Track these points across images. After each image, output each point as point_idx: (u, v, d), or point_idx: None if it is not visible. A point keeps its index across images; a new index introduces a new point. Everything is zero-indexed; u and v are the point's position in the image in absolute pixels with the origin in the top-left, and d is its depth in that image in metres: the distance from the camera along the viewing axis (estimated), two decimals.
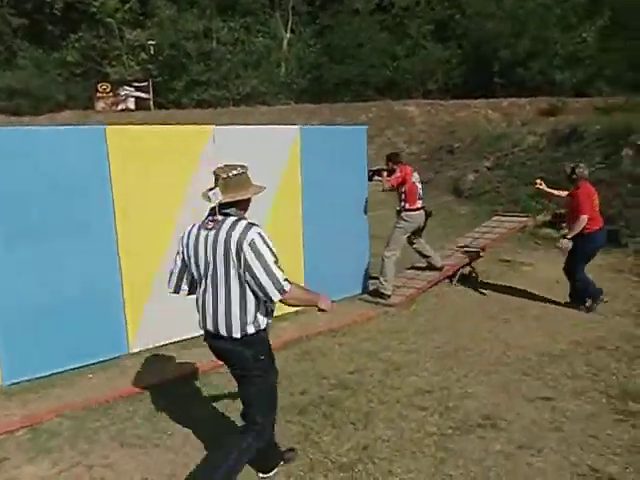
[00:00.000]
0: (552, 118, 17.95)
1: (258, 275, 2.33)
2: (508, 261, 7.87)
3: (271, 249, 2.39)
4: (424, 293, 6.35)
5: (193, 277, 2.59)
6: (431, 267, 6.73)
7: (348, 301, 6.16)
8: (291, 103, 25.59)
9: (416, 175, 6.39)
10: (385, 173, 6.33)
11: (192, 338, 4.95)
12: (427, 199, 13.82)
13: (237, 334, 2.44)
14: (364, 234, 6.53)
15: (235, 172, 2.45)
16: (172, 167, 4.91)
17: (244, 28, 28.13)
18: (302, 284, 5.68)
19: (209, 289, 2.49)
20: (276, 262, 2.38)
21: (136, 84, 25.10)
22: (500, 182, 12.70)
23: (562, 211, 9.41)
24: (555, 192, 6.52)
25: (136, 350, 4.87)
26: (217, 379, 4.19)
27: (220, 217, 2.42)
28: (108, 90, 24.88)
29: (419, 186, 6.36)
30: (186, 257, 2.55)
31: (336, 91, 26.51)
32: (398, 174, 6.19)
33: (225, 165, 2.51)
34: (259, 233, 2.37)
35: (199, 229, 2.49)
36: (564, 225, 8.42)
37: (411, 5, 27.42)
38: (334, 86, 26.72)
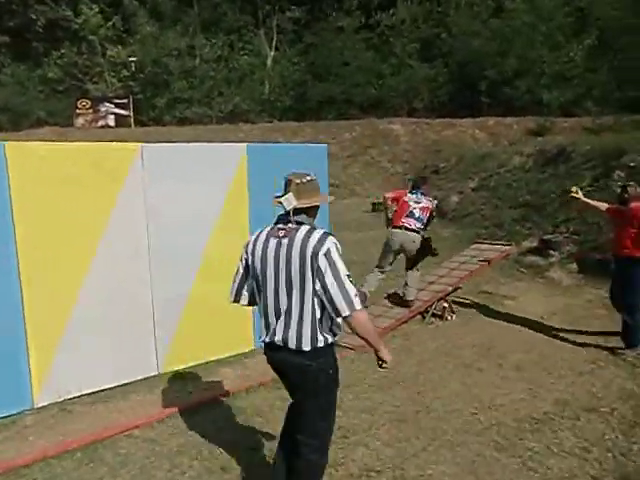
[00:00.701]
0: (540, 138, 17.48)
1: (329, 286, 2.23)
2: (489, 293, 7.13)
3: (342, 260, 2.29)
4: (392, 331, 5.61)
5: (256, 287, 2.47)
6: (402, 301, 6.05)
7: None
8: (274, 121, 25.05)
9: (414, 196, 6.08)
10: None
11: (111, 388, 4.36)
12: None
13: (307, 347, 2.33)
14: None
15: (309, 178, 2.41)
16: (89, 190, 4.20)
17: (228, 46, 27.69)
18: (249, 318, 5.06)
19: (278, 299, 2.36)
20: (349, 276, 2.27)
21: (116, 101, 24.46)
22: (484, 204, 12.07)
23: (550, 237, 8.77)
24: (593, 203, 5.41)
25: (43, 404, 4.12)
26: (129, 446, 3.43)
27: (293, 225, 2.34)
28: (88, 106, 24.21)
29: (412, 205, 5.98)
30: (251, 265, 2.45)
31: (320, 109, 26.02)
32: (395, 192, 6.34)
33: (293, 172, 2.44)
34: (335, 243, 2.29)
35: (268, 236, 2.40)
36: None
37: (396, 24, 27.12)
38: (318, 104, 26.23)
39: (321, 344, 2.34)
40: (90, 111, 24.17)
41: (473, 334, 5.58)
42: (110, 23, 27.34)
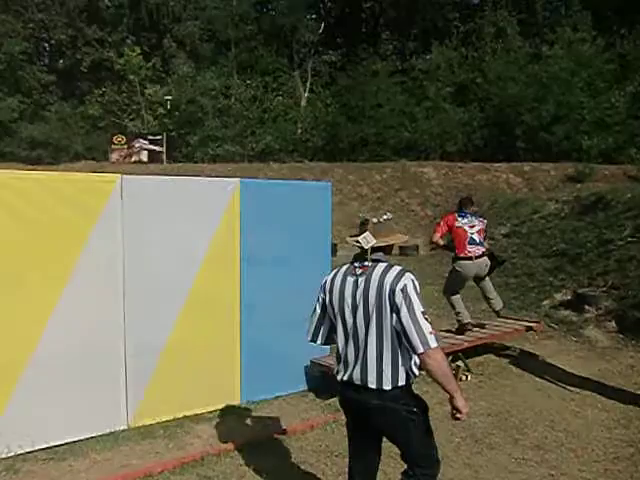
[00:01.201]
0: (578, 185, 16.68)
1: (404, 322, 2.22)
2: (512, 350, 6.38)
3: (420, 297, 2.29)
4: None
5: (332, 326, 2.51)
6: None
7: (295, 399, 4.83)
8: (305, 161, 24.96)
9: (465, 219, 5.75)
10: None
11: (72, 443, 3.90)
12: (431, 265, 12.62)
13: (387, 385, 2.31)
14: None
15: (386, 217, 2.48)
16: (55, 226, 3.83)
17: (262, 87, 28.07)
18: (235, 368, 4.44)
19: (356, 337, 2.36)
20: (424, 313, 2.26)
21: (150, 137, 24.91)
22: (515, 251, 11.32)
23: (585, 290, 7.96)
24: None
25: None
26: None
27: (370, 263, 2.37)
28: (123, 142, 24.73)
29: (469, 230, 5.66)
30: (328, 304, 2.47)
31: (352, 150, 25.83)
32: (441, 227, 5.91)
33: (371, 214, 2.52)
34: (412, 280, 2.30)
35: (345, 275, 2.43)
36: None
37: (431, 68, 26.98)
38: (350, 145, 26.07)
39: (402, 382, 2.33)
40: (125, 147, 24.66)
41: (489, 399, 4.86)
42: (150, 64, 28.20)
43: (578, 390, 5.10)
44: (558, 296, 8.36)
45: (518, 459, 3.75)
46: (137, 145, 24.73)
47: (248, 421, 4.41)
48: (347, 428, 2.60)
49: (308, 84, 30.09)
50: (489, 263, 5.79)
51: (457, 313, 5.86)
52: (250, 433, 4.19)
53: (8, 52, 27.36)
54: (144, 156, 24.65)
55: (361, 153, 25.79)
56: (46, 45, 32.32)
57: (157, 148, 24.65)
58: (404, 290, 2.25)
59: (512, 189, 19.48)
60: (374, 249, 2.38)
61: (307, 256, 4.84)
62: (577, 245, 9.63)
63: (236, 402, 4.64)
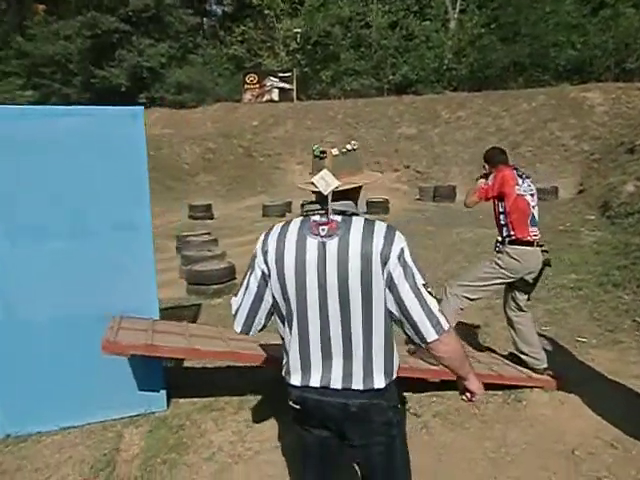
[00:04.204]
0: None
1: (407, 303, 1.59)
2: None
3: (418, 266, 1.63)
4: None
5: (271, 309, 1.73)
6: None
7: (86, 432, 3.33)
8: (446, 92, 22.06)
9: (525, 184, 3.52)
10: (481, 181, 3.69)
11: None
12: (567, 214, 9.84)
13: (381, 383, 1.65)
14: (145, 286, 3.35)
15: (349, 147, 1.67)
16: None
17: (403, 10, 25.17)
18: None
19: (327, 325, 1.62)
20: (426, 285, 1.62)
21: (281, 75, 24.10)
22: None
23: None
24: None
25: None
26: None
27: (337, 217, 1.61)
28: (255, 81, 24.34)
29: (531, 204, 3.50)
30: (274, 280, 1.65)
31: (503, 77, 22.12)
32: (490, 181, 3.59)
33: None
34: (405, 241, 1.63)
35: (301, 235, 1.61)
36: None
37: None
38: (502, 71, 22.34)
39: (394, 376, 1.71)
40: (257, 86, 24.26)
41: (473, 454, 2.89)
42: None
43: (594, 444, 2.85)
44: None
45: None
46: (268, 84, 24.15)
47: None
48: (304, 456, 1.82)
49: (458, 3, 26.28)
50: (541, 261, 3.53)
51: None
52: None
53: None
54: (275, 95, 24.04)
55: (514, 79, 21.99)
56: None
57: (287, 85, 23.82)
58: (401, 257, 1.60)
59: None
60: (337, 195, 1.61)
61: (103, 222, 3.19)
62: None
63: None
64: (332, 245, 1.60)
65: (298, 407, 1.73)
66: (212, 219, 13.82)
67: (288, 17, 26.98)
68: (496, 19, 23.46)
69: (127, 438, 3.17)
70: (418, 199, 15.30)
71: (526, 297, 3.63)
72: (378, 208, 12.72)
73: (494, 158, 3.63)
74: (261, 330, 1.82)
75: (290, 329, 1.71)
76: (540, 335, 4.41)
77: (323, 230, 1.62)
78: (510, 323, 3.72)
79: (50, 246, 3.07)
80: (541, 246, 3.51)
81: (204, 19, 31.70)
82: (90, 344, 2.92)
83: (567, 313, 5.07)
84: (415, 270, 1.62)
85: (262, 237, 1.72)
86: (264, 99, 24.13)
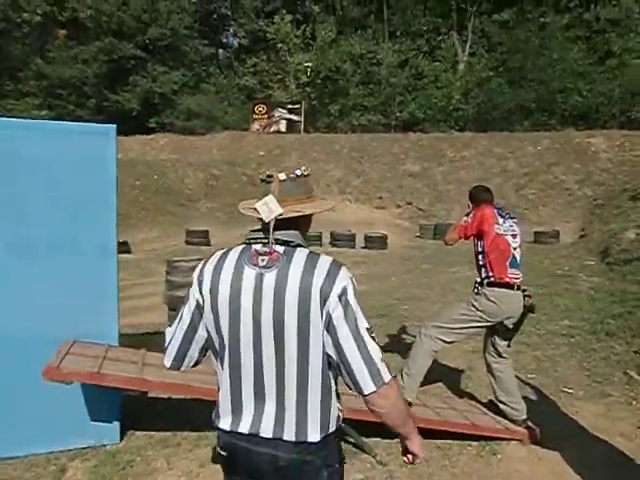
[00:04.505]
0: None
1: (345, 348, 1.40)
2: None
3: (362, 308, 1.44)
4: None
5: (205, 344, 1.55)
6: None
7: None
8: (453, 131, 22.22)
9: (507, 223, 3.34)
10: (464, 219, 3.48)
11: None
12: (567, 258, 9.64)
13: (315, 436, 1.44)
14: (106, 311, 3.19)
15: (299, 172, 1.50)
16: None
17: (412, 49, 25.64)
18: None
19: (260, 368, 1.45)
20: (370, 329, 1.44)
21: (289, 106, 24.46)
22: None
23: None
24: None
25: None
26: None
27: (279, 247, 1.45)
28: (264, 112, 24.68)
29: (512, 245, 3.31)
30: (207, 312, 1.48)
31: (510, 119, 22.28)
32: (469, 218, 3.41)
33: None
34: (351, 278, 1.45)
35: (239, 265, 1.46)
36: None
37: (622, 17, 21.83)
38: (508, 113, 22.52)
39: (332, 429, 1.49)
40: (265, 116, 24.57)
41: None
42: (299, 31, 27.62)
43: None
44: None
45: None
46: (277, 115, 24.49)
47: None
48: None
49: (467, 46, 26.74)
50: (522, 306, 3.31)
51: (410, 373, 3.38)
52: None
53: (174, 28, 29.02)
54: (282, 126, 24.33)
55: (520, 122, 22.15)
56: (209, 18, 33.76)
57: (295, 117, 24.11)
58: (343, 297, 1.40)
59: None
60: (281, 224, 1.45)
61: (65, 241, 3.04)
62: None
63: None
64: (270, 278, 1.44)
65: (225, 454, 1.55)
66: (209, 245, 13.73)
67: (300, 51, 27.54)
68: (504, 63, 23.82)
69: (70, 473, 2.96)
70: (418, 236, 15.19)
71: (506, 343, 3.43)
72: (376, 243, 12.59)
73: (477, 196, 3.50)
74: (194, 366, 1.65)
75: (222, 366, 1.54)
76: (525, 383, 4.21)
77: (263, 260, 1.46)
78: (489, 369, 3.52)
79: (4, 262, 2.94)
80: (523, 290, 3.34)
81: (219, 50, 32.27)
82: (39, 368, 2.75)
83: (556, 361, 4.85)
84: (358, 312, 1.45)
85: (200, 265, 1.57)
86: (271, 130, 24.41)
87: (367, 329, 1.44)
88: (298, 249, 1.48)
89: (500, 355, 3.45)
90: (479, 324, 3.30)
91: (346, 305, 1.42)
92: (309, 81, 26.50)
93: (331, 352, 1.44)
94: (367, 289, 8.58)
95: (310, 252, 1.48)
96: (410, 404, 3.23)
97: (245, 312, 1.45)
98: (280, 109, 24.46)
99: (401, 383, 3.28)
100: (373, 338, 1.45)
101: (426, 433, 3.19)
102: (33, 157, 2.94)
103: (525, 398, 3.94)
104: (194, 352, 1.59)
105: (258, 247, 1.47)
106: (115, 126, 3.16)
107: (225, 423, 1.53)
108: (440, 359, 4.89)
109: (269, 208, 1.46)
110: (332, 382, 1.50)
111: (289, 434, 1.47)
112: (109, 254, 3.17)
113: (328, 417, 1.50)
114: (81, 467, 3.01)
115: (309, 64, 25.49)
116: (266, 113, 24.60)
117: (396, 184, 18.48)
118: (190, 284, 1.57)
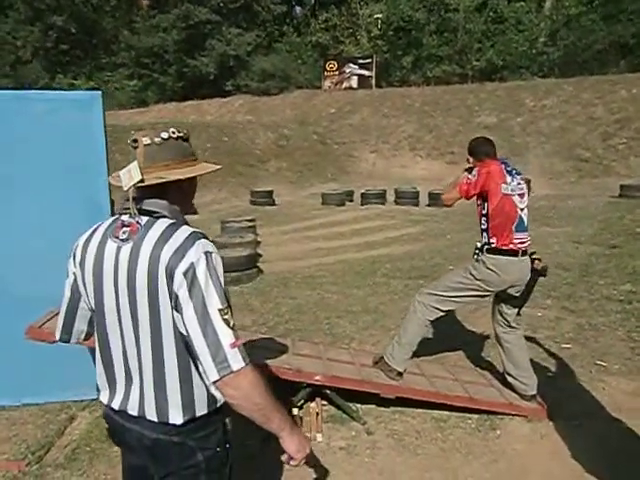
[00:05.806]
0: None
1: (190, 331, 1.27)
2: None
3: (221, 284, 1.31)
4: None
5: (92, 317, 1.50)
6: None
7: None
8: (535, 78, 20.53)
9: (515, 182, 2.98)
10: (464, 174, 3.13)
11: None
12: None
13: (177, 419, 1.37)
14: None
15: (166, 135, 1.37)
16: None
17: None
18: None
19: (123, 341, 1.39)
20: (224, 310, 1.28)
21: (360, 61, 23.70)
22: None
23: None
24: None
25: None
26: None
27: (142, 218, 1.35)
28: (335, 68, 24.16)
29: (519, 205, 2.97)
30: (81, 285, 1.45)
31: (602, 61, 20.15)
32: (472, 176, 3.01)
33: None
34: (208, 252, 1.30)
35: (104, 239, 1.39)
36: None
37: None
38: (599, 54, 20.36)
39: (202, 411, 1.40)
40: (336, 73, 24.05)
41: None
42: None
43: None
44: None
45: None
46: (347, 70, 23.87)
47: None
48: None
49: None
50: (530, 272, 2.98)
51: (400, 342, 3.12)
52: None
53: None
54: (354, 82, 23.73)
55: (615, 63, 19.97)
56: None
57: (367, 72, 23.38)
58: (188, 273, 1.28)
59: None
60: (147, 192, 1.37)
61: (56, 211, 3.05)
62: None
63: None
64: (124, 252, 1.35)
65: (107, 426, 1.54)
66: (273, 205, 13.89)
67: (372, 2, 26.41)
68: None
69: (77, 422, 3.17)
70: None
71: (515, 311, 3.14)
72: (440, 200, 12.09)
73: (479, 149, 3.14)
74: (87, 338, 1.61)
75: (98, 342, 1.50)
76: (550, 354, 3.89)
77: (124, 233, 1.36)
78: (498, 340, 3.26)
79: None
80: (531, 254, 3.01)
81: (292, 7, 31.74)
82: None
83: (600, 330, 4.42)
84: (210, 290, 1.30)
85: (79, 237, 1.51)
86: (343, 86, 23.90)
87: (220, 310, 1.30)
88: (160, 220, 1.36)
89: (509, 325, 3.17)
90: (478, 293, 3.04)
91: (192, 283, 1.28)
92: (381, 34, 25.43)
93: (183, 331, 1.33)
94: (419, 248, 8.32)
95: (171, 224, 1.36)
96: (400, 374, 3.08)
97: (107, 289, 1.38)
98: (351, 65, 23.80)
99: (390, 351, 3.13)
100: (226, 321, 1.30)
101: (424, 404, 3.08)
102: (17, 128, 3.02)
103: (547, 370, 3.66)
104: (81, 325, 1.56)
105: (125, 218, 1.38)
106: (100, 93, 3.16)
107: (104, 396, 1.51)
108: (466, 324, 4.65)
109: (130, 175, 1.35)
110: (192, 365, 1.39)
111: (150, 414, 1.41)
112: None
113: (192, 399, 1.40)
114: (88, 417, 3.20)
115: (379, 15, 24.37)
116: (337, 70, 24.06)
117: (469, 138, 17.40)
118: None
